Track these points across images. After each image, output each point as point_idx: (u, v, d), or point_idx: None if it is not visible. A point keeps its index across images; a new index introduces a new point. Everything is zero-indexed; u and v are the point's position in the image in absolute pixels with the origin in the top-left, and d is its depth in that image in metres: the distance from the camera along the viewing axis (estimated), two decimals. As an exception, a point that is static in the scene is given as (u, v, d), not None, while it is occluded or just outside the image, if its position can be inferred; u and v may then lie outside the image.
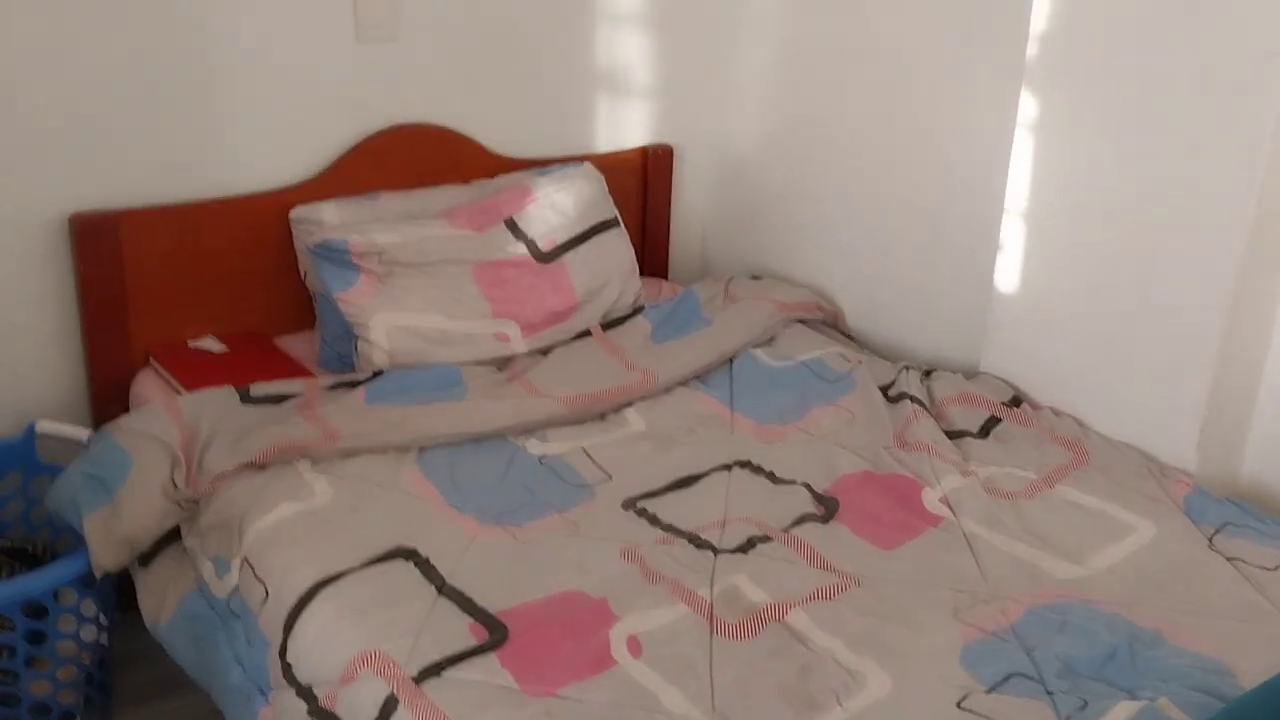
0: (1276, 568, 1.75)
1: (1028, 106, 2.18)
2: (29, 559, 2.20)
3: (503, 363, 2.42)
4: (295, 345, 2.50)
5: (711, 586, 1.69)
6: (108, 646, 2.10)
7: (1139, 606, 1.66)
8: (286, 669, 1.65)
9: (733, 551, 1.79)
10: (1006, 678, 1.50)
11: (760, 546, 1.80)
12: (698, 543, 1.82)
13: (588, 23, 2.81)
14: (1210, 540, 1.83)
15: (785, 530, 1.86)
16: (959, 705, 1.46)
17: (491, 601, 1.64)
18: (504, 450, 2.11)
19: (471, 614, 1.62)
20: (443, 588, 1.68)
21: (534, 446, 2.13)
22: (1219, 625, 1.61)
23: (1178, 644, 1.57)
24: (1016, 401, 2.26)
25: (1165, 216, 2.03)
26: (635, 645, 1.56)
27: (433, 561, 1.74)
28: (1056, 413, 2.22)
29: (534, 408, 2.20)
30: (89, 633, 2.02)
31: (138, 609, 1.99)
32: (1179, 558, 1.78)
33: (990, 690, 1.48)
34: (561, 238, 2.56)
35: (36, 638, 1.95)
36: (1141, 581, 1.72)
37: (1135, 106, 2.04)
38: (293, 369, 2.38)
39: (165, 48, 2.28)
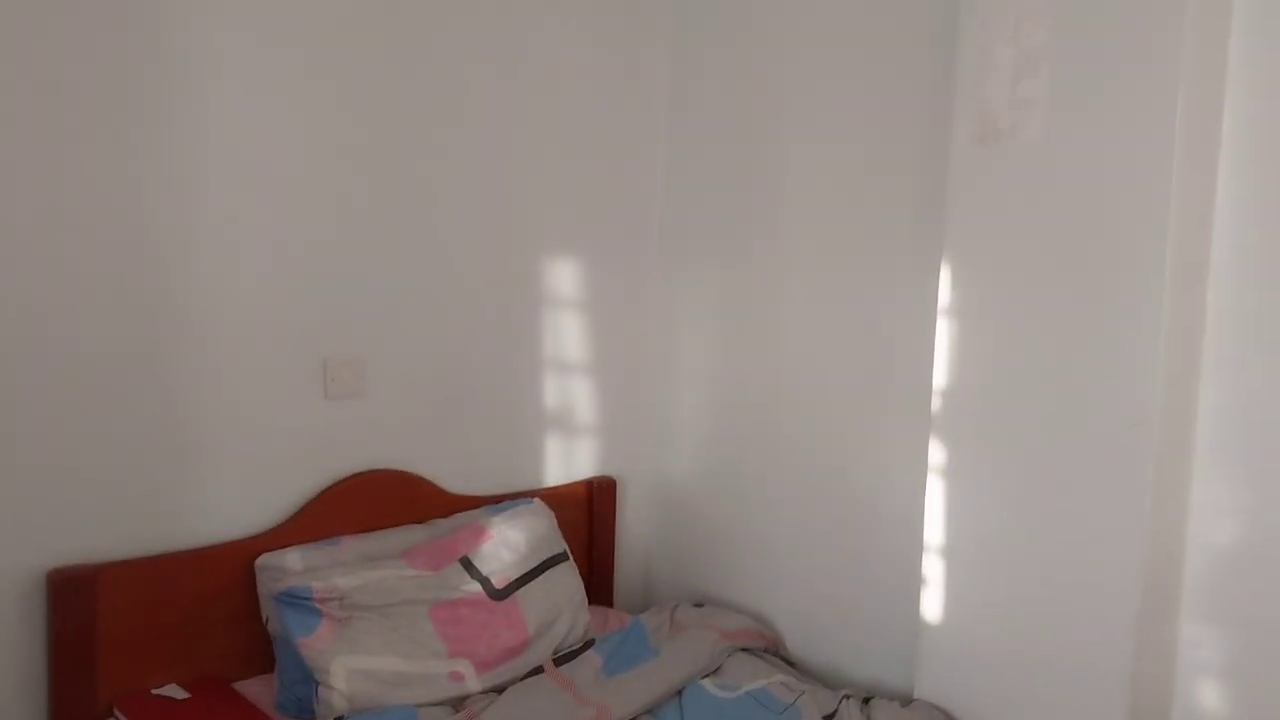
0: None
1: (936, 455, 2.43)
2: None
3: (458, 702, 2.50)
4: (254, 689, 2.56)
5: None
6: None
7: None
8: None
9: None
10: None
11: None
12: None
13: (535, 370, 3.08)
14: None
15: None
16: None
17: None
18: (463, 798, 2.16)
19: None
20: None
21: (492, 794, 2.19)
22: None
23: None
24: (951, 729, 2.38)
25: (1070, 555, 2.24)
26: None
27: None
28: (990, 740, 2.34)
29: (490, 751, 2.28)
30: None
31: None
32: None
33: None
34: (514, 574, 2.71)
35: None
36: None
37: (1027, 458, 2.29)
38: (253, 715, 2.43)
39: (143, 409, 2.46)
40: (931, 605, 2.48)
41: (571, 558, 2.89)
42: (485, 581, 2.66)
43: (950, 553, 2.43)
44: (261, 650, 2.61)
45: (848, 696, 2.54)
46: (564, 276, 3.12)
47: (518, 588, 2.69)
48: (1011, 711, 2.35)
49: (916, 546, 2.52)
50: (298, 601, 2.46)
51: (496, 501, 2.94)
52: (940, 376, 2.43)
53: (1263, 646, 2.12)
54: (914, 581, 2.54)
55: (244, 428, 2.60)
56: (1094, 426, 2.19)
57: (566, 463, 3.19)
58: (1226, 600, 2.17)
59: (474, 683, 2.53)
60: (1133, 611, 2.15)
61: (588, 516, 3.19)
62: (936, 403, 2.44)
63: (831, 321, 2.81)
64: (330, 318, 2.71)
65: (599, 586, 3.19)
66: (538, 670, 2.62)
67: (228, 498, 2.59)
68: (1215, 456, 2.17)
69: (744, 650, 2.79)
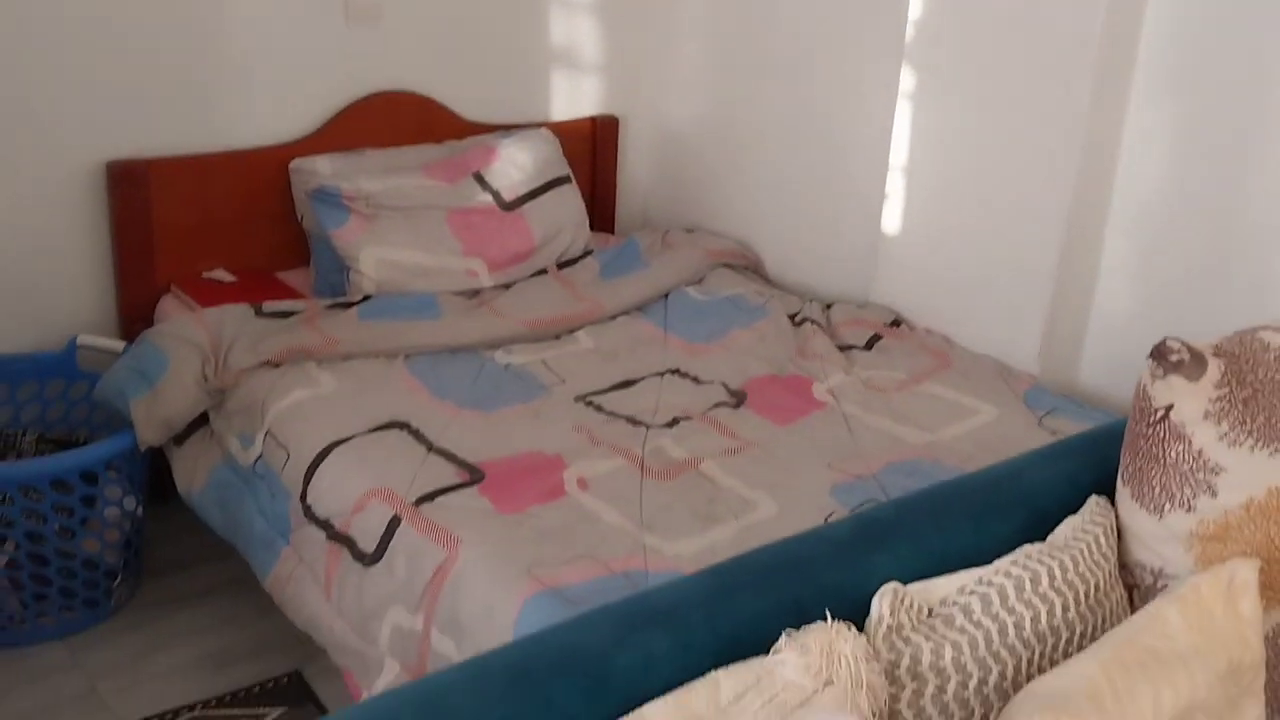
0: (1084, 438, 2.24)
1: (906, 81, 2.67)
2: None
3: (472, 294, 2.86)
4: (293, 278, 2.93)
5: (644, 447, 2.16)
6: (142, 518, 2.51)
7: (975, 463, 2.13)
8: (307, 510, 2.09)
9: (661, 426, 2.25)
10: (863, 503, 1.97)
11: (683, 423, 2.27)
12: (634, 422, 2.28)
13: (545, 7, 3.26)
14: (1040, 420, 2.32)
15: (704, 413, 2.32)
16: (825, 520, 1.92)
17: (470, 455, 2.09)
18: (475, 360, 2.55)
19: (455, 464, 2.07)
20: (431, 448, 2.13)
21: (500, 357, 2.57)
22: (1031, 473, 2.09)
23: (997, 483, 2.05)
24: (897, 323, 2.74)
25: (1013, 171, 2.52)
26: (583, 483, 2.02)
27: (422, 431, 2.19)
28: (929, 331, 2.70)
29: (499, 327, 2.65)
30: (129, 503, 2.43)
31: (165, 502, 2.46)
32: (1012, 432, 2.26)
33: (850, 511, 1.95)
34: (522, 190, 3.01)
35: (89, 502, 2.36)
36: (980, 447, 2.20)
37: (984, 81, 2.53)
38: (293, 294, 2.81)
39: (187, 24, 2.70)
40: (891, 218, 2.78)
41: (575, 182, 3.18)
42: (496, 194, 2.96)
43: (910, 170, 2.71)
44: (298, 248, 2.95)
45: (811, 301, 2.89)
46: (573, -83, 3.25)
47: (525, 202, 3.00)
48: (949, 309, 2.69)
49: (881, 168, 2.80)
50: (329, 199, 2.77)
51: (506, 129, 3.20)
52: (916, 8, 2.63)
53: (1174, 261, 2.42)
54: (877, 202, 2.83)
55: (274, 45, 2.83)
56: (1044, 50, 2.41)
57: (572, 99, 3.42)
58: (1149, 218, 2.46)
59: (486, 279, 2.89)
60: (1063, 220, 2.45)
61: (591, 150, 3.45)
62: (910, 33, 2.65)
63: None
64: (350, -57, 2.89)
65: (601, 216, 3.49)
66: (542, 272, 2.97)
67: (261, 109, 2.86)
68: (1151, 83, 2.41)
69: (727, 266, 3.13)
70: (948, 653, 1.21)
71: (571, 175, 3.17)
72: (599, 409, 2.35)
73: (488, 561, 1.79)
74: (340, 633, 2.00)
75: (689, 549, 1.84)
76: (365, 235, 2.76)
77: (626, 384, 2.48)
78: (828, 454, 2.16)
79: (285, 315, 2.58)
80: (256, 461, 2.26)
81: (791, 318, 2.82)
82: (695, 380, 2.50)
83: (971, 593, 1.27)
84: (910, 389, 2.45)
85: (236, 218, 2.85)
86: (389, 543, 1.91)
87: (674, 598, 1.16)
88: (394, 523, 1.93)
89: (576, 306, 2.80)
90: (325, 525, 2.04)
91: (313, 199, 2.80)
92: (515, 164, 3.04)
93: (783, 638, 1.14)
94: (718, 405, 2.36)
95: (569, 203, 3.13)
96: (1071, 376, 2.62)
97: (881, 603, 1.21)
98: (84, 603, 2.41)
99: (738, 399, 2.39)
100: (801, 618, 1.19)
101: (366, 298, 2.70)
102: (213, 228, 2.82)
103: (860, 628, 1.21)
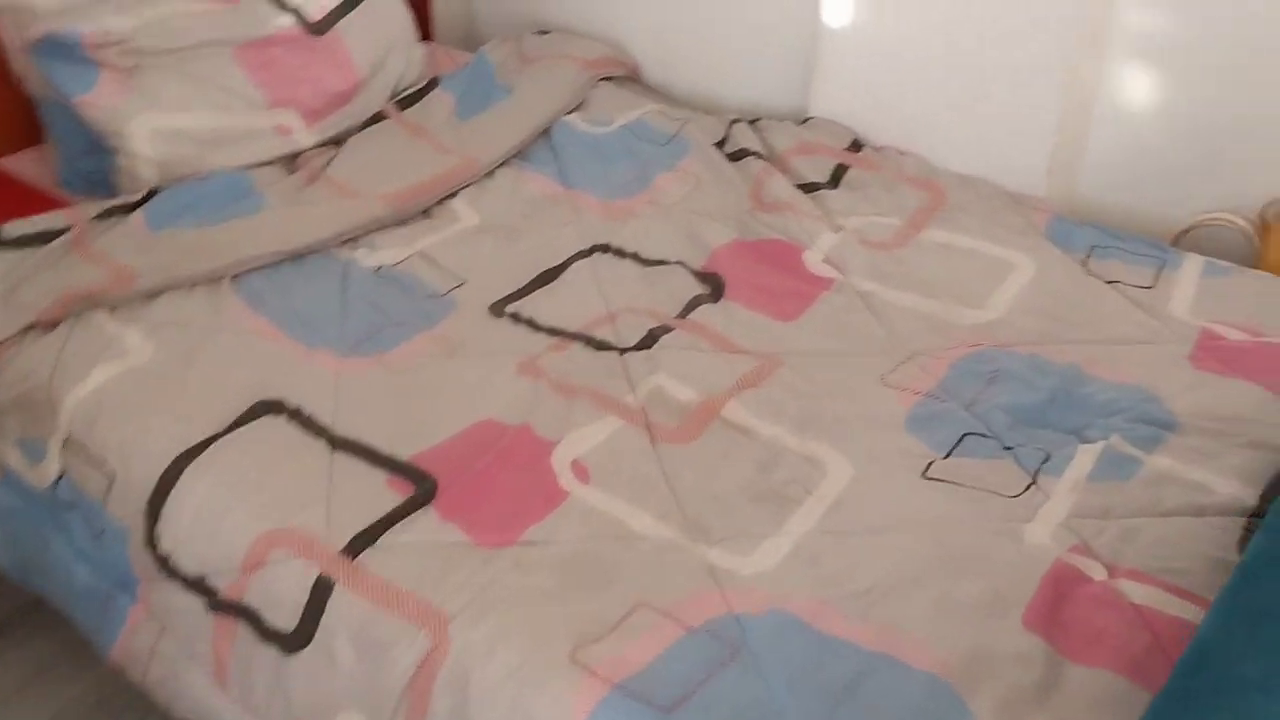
0: (1151, 285, 1.79)
1: None
2: None
3: (290, 161, 2.09)
4: (22, 166, 2.08)
5: (634, 391, 1.55)
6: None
7: (1048, 344, 1.65)
8: (162, 562, 1.40)
9: (636, 349, 1.64)
10: (960, 439, 1.47)
11: (663, 339, 1.66)
12: (594, 344, 1.66)
13: None
14: (1085, 265, 1.84)
15: (678, 316, 1.72)
16: (925, 476, 1.41)
17: (399, 448, 1.44)
18: (331, 267, 1.83)
19: (380, 465, 1.41)
20: (334, 440, 1.45)
21: (363, 257, 1.87)
22: (1127, 352, 1.63)
23: (1100, 377, 1.58)
24: (857, 145, 2.18)
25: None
26: (581, 470, 1.41)
27: (306, 411, 1.50)
28: (901, 152, 2.15)
29: (350, 212, 1.92)
30: None
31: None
32: (1064, 288, 1.78)
33: (949, 455, 1.45)
34: (331, 3, 2.20)
35: None
36: (1040, 318, 1.71)
37: None
38: (35, 197, 1.97)
39: None
40: (837, 8, 2.16)
41: (389, -17, 2.37)
42: (297, 13, 2.14)
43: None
44: (22, 123, 2.07)
45: (736, 120, 2.27)
46: None
47: (338, 19, 2.19)
48: (923, 121, 2.15)
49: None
50: (63, 51, 1.90)
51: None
52: None
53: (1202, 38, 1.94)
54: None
55: None
56: None
57: None
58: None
59: (304, 136, 2.12)
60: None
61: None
62: None
63: None
64: None
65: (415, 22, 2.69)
66: (379, 118, 2.21)
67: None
68: None
69: (606, 80, 2.44)
70: None
71: (384, -26, 2.36)
72: (533, 325, 1.71)
73: (504, 648, 1.18)
74: (255, 735, 1.37)
75: (770, 562, 1.29)
76: (128, 98, 1.93)
77: (548, 276, 1.84)
78: (868, 362, 1.62)
79: (43, 239, 1.76)
80: (57, 483, 1.52)
81: (719, 147, 2.20)
82: (637, 259, 1.88)
83: None
84: (912, 240, 1.91)
85: (-80, 89, 1.95)
86: (320, 619, 1.27)
87: None
88: (323, 587, 1.28)
89: (442, 163, 2.08)
90: (200, 587, 1.37)
91: (38, 54, 1.91)
92: (314, -31, 2.20)
93: None
94: (693, 302, 1.76)
95: (390, 13, 2.34)
96: (1071, 190, 2.15)
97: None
98: None
99: (713, 287, 1.80)
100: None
101: (152, 193, 1.90)
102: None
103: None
